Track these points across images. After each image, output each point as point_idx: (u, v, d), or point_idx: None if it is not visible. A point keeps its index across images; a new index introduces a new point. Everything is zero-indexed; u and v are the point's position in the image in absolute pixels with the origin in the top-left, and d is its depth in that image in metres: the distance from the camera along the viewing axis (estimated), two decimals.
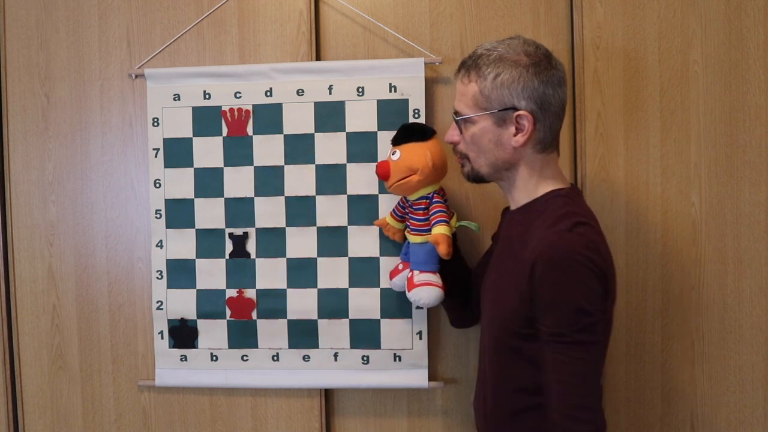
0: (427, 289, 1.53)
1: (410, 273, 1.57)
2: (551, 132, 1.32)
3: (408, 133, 1.57)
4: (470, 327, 1.72)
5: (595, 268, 1.19)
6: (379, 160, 1.70)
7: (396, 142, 1.58)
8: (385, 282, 1.72)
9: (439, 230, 1.51)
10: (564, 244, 1.20)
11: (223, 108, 1.75)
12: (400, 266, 1.66)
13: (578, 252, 1.19)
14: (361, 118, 1.72)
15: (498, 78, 1.28)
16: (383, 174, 1.55)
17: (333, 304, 1.75)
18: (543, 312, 1.22)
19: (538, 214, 1.31)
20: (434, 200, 1.56)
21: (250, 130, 1.75)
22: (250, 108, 1.75)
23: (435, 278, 1.55)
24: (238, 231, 1.77)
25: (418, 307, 1.72)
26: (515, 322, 1.28)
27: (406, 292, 1.57)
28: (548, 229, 1.24)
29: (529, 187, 1.36)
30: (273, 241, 1.76)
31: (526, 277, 1.23)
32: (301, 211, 1.74)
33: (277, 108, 1.74)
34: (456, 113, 1.37)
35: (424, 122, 1.69)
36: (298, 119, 1.74)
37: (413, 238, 1.57)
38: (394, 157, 1.55)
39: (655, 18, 1.69)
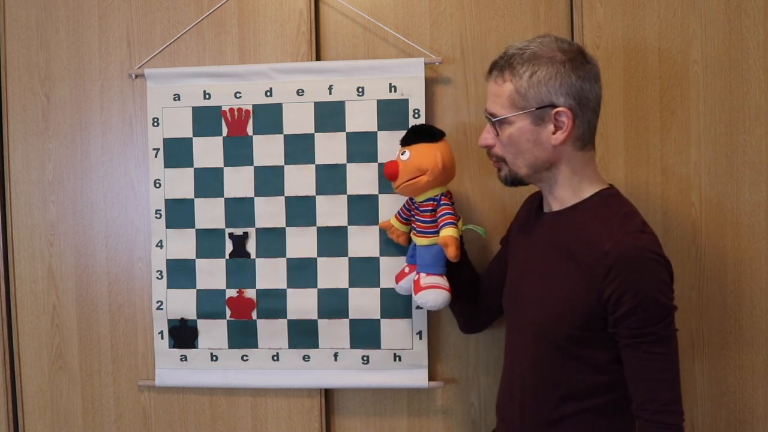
0: (434, 292, 1.52)
1: (417, 276, 1.56)
2: (589, 128, 1.31)
3: (418, 134, 1.57)
4: (480, 332, 1.71)
5: (668, 265, 1.23)
6: (379, 160, 1.70)
7: (405, 142, 1.57)
8: (385, 282, 1.72)
9: (448, 232, 1.50)
10: (642, 245, 1.22)
11: (223, 108, 1.75)
12: (406, 269, 1.65)
13: (655, 252, 1.21)
14: (361, 118, 1.72)
15: (534, 75, 1.27)
16: (391, 174, 1.54)
17: (333, 304, 1.75)
18: (627, 314, 1.21)
19: (594, 214, 1.29)
20: (442, 202, 1.55)
21: (250, 130, 1.75)
22: (250, 108, 1.75)
23: (442, 281, 1.54)
24: (238, 231, 1.77)
25: (419, 307, 1.71)
26: (574, 325, 1.28)
27: (413, 295, 1.56)
28: (619, 230, 1.24)
29: (573, 186, 1.34)
30: (273, 241, 1.76)
31: (599, 278, 1.23)
32: (301, 211, 1.74)
33: (277, 108, 1.74)
34: (492, 115, 1.34)
35: (424, 122, 1.69)
36: (298, 119, 1.74)
37: (420, 240, 1.57)
38: (404, 157, 1.54)
39: (655, 18, 1.69)
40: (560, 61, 1.26)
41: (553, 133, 1.28)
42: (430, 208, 1.55)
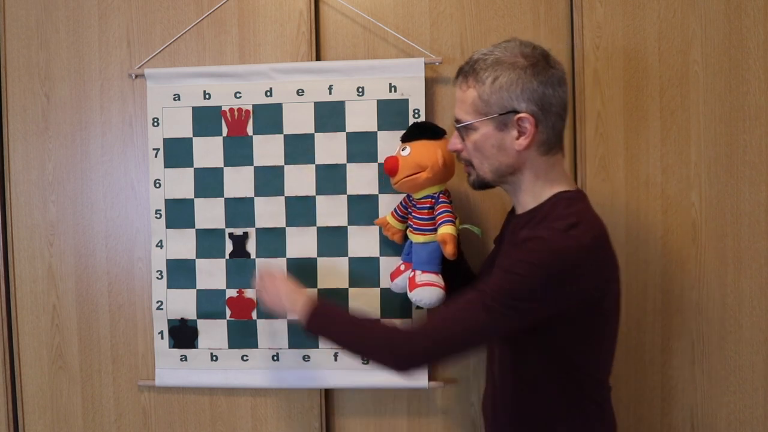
0: (429, 290, 1.52)
1: (412, 273, 1.57)
2: (554, 133, 1.30)
3: (419, 131, 1.57)
4: None
5: (563, 271, 1.19)
6: (379, 161, 1.71)
7: (406, 138, 1.58)
8: (385, 282, 1.72)
9: (446, 230, 1.50)
10: (550, 236, 1.20)
11: (223, 108, 1.75)
12: (402, 267, 1.65)
13: (562, 246, 1.19)
14: (361, 118, 1.72)
15: (496, 81, 1.27)
16: (391, 169, 1.54)
17: None
18: (492, 275, 1.24)
19: (543, 216, 1.30)
20: (440, 200, 1.55)
21: (250, 130, 1.75)
22: (250, 108, 1.75)
23: (437, 279, 1.54)
24: (238, 231, 1.77)
25: (418, 307, 1.71)
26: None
27: (408, 292, 1.56)
28: (544, 226, 1.24)
29: (535, 191, 1.34)
30: (273, 241, 1.76)
31: None
32: (301, 211, 1.74)
33: (277, 108, 1.74)
34: (457, 121, 1.36)
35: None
36: (298, 119, 1.74)
37: (416, 238, 1.57)
38: (404, 153, 1.54)
39: (655, 18, 1.69)
40: (522, 66, 1.26)
41: (517, 139, 1.28)
42: (428, 205, 1.55)
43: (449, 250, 1.48)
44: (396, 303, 1.72)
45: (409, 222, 1.60)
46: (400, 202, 1.65)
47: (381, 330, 1.34)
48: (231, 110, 1.75)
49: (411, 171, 1.53)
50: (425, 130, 1.56)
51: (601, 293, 1.25)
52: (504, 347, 1.37)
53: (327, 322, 1.39)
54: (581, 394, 1.31)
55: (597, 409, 1.32)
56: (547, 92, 1.27)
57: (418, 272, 1.55)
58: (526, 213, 1.35)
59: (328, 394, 1.82)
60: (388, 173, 1.56)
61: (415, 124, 1.61)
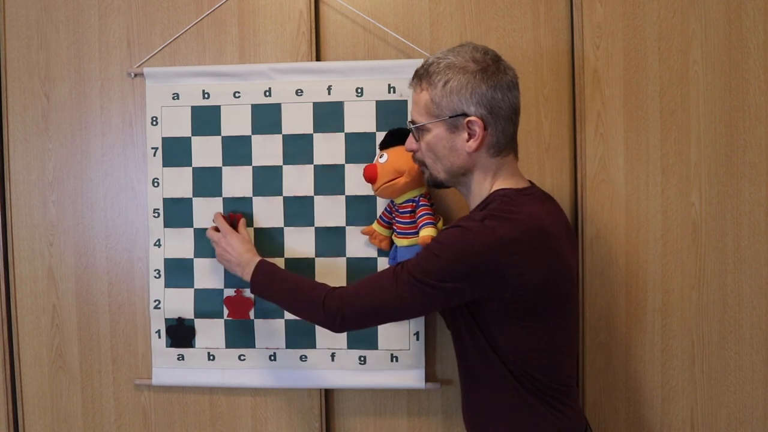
0: None
1: None
2: (504, 136, 1.35)
3: (395, 137, 1.59)
4: None
5: (471, 257, 1.25)
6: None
7: (383, 146, 1.61)
8: None
9: (427, 232, 1.52)
10: (462, 223, 1.28)
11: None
12: None
13: (470, 230, 1.26)
14: (360, 118, 1.72)
15: (447, 85, 1.32)
16: (370, 176, 1.57)
17: None
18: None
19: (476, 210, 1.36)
20: (421, 203, 1.58)
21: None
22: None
23: None
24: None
25: None
26: (448, 318, 1.43)
27: None
28: (463, 218, 1.32)
29: (482, 191, 1.38)
30: (271, 241, 1.76)
31: None
32: (299, 211, 1.74)
33: (276, 108, 1.74)
34: (411, 122, 1.41)
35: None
36: (297, 119, 1.74)
37: (400, 242, 1.59)
38: (381, 160, 1.57)
39: (655, 18, 1.69)
40: (472, 71, 1.31)
41: (467, 141, 1.33)
42: (409, 209, 1.58)
43: None
44: None
45: (394, 227, 1.63)
46: (385, 209, 1.67)
47: (315, 291, 1.41)
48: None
49: (390, 177, 1.56)
50: (401, 137, 1.57)
51: (520, 290, 1.27)
52: (456, 343, 1.45)
53: (268, 280, 1.49)
54: (524, 393, 1.34)
55: (545, 409, 1.35)
56: (496, 96, 1.31)
57: None
58: (471, 212, 1.40)
59: (328, 394, 1.82)
60: (368, 181, 1.59)
61: (390, 131, 1.63)
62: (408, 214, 1.58)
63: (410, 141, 1.45)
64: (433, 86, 1.33)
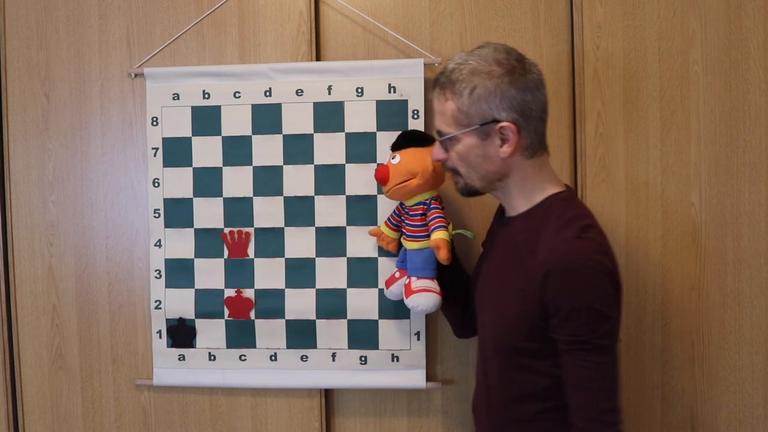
0: (425, 296, 1.52)
1: (407, 280, 1.57)
2: (537, 136, 1.30)
3: (408, 139, 1.58)
4: (474, 336, 1.71)
5: (608, 271, 1.20)
6: (378, 161, 1.71)
7: (396, 147, 1.58)
8: (383, 282, 1.72)
9: (439, 235, 1.50)
10: (576, 251, 1.20)
11: (224, 231, 1.77)
12: (397, 274, 1.65)
13: (591, 258, 1.19)
14: (360, 118, 1.72)
15: (474, 92, 1.27)
16: (382, 177, 1.55)
17: (331, 304, 1.75)
18: (562, 321, 1.20)
19: (542, 220, 1.29)
20: (432, 206, 1.55)
21: (251, 252, 1.77)
22: (251, 231, 1.77)
23: (433, 284, 1.54)
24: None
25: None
26: (520, 331, 1.28)
27: (404, 298, 1.56)
28: (557, 236, 1.23)
29: (525, 194, 1.34)
30: (271, 241, 1.76)
31: (536, 286, 1.22)
32: (299, 211, 1.74)
33: (276, 108, 1.74)
34: (439, 133, 1.36)
35: (423, 123, 1.70)
36: (298, 119, 1.74)
37: (410, 245, 1.57)
38: (394, 161, 1.55)
39: (655, 18, 1.69)
40: (498, 75, 1.26)
41: (500, 147, 1.28)
42: (420, 212, 1.56)
43: (443, 255, 1.49)
44: (394, 304, 1.72)
45: (403, 230, 1.60)
46: (393, 211, 1.65)
47: None
48: (231, 233, 1.77)
49: (402, 178, 1.53)
50: (414, 139, 1.57)
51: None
52: (507, 355, 1.34)
53: None
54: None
55: None
56: (526, 98, 1.27)
57: (413, 279, 1.55)
58: (520, 216, 1.35)
59: (328, 394, 1.82)
60: (379, 182, 1.57)
61: (403, 133, 1.61)
62: (419, 217, 1.56)
63: (437, 151, 1.39)
64: (459, 95, 1.28)
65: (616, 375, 1.22)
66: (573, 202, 1.32)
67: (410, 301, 1.53)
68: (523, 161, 1.31)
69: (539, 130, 1.31)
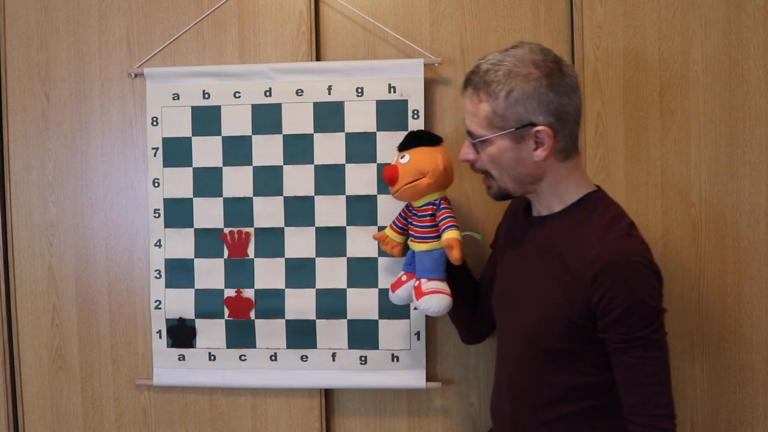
0: (436, 297, 1.51)
1: (417, 282, 1.55)
2: (571, 139, 1.29)
3: (416, 139, 1.56)
4: (482, 342, 1.71)
5: (655, 268, 1.22)
6: (378, 161, 1.71)
7: (403, 147, 1.56)
8: (383, 282, 1.72)
9: (452, 234, 1.48)
10: (628, 249, 1.21)
11: (223, 231, 1.77)
12: (404, 278, 1.62)
13: (641, 255, 1.21)
14: (361, 118, 1.72)
15: (511, 95, 1.23)
16: (391, 177, 1.52)
17: (331, 304, 1.75)
18: (615, 321, 1.20)
19: (582, 218, 1.29)
20: (442, 206, 1.53)
21: (251, 252, 1.77)
22: (251, 231, 1.76)
23: (443, 286, 1.53)
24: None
25: (416, 308, 1.71)
26: (557, 331, 1.27)
27: (414, 301, 1.54)
28: (605, 234, 1.23)
29: (559, 194, 1.33)
30: (271, 241, 1.76)
31: (583, 283, 1.22)
32: (299, 211, 1.74)
33: (276, 108, 1.74)
34: (470, 134, 1.33)
35: (423, 123, 1.70)
36: (298, 119, 1.74)
37: (418, 246, 1.55)
38: (403, 161, 1.53)
39: (655, 18, 1.69)
40: (536, 78, 1.23)
41: (534, 150, 1.27)
42: (429, 212, 1.54)
43: (455, 255, 1.47)
44: (394, 303, 1.71)
45: (411, 231, 1.58)
46: (399, 214, 1.63)
47: None
48: (231, 233, 1.77)
49: (412, 178, 1.51)
50: (422, 138, 1.56)
51: None
52: (540, 356, 1.32)
53: None
54: (611, 415, 1.28)
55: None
56: (563, 102, 1.25)
57: (423, 281, 1.53)
58: (555, 214, 1.34)
59: (328, 394, 1.82)
60: (388, 182, 1.54)
61: (411, 132, 1.59)
62: (428, 218, 1.54)
63: (466, 151, 1.36)
64: (494, 97, 1.25)
65: (668, 368, 1.24)
66: (611, 201, 1.33)
67: (421, 303, 1.51)
68: (557, 164, 1.30)
69: (573, 133, 1.29)
